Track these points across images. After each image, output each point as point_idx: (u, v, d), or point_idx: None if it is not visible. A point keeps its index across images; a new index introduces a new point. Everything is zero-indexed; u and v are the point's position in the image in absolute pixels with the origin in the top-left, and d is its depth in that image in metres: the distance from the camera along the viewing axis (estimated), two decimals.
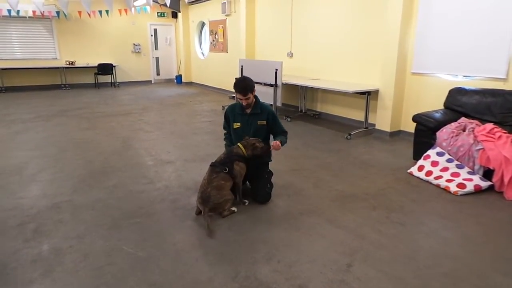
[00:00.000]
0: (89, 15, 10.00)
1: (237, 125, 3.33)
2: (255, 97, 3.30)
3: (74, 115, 7.09)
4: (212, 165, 3.05)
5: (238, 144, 3.13)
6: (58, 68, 10.90)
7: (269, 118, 3.32)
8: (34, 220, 2.89)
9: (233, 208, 3.02)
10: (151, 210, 3.07)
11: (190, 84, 12.61)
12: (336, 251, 2.46)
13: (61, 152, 4.71)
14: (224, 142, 3.56)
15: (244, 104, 3.23)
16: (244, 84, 3.17)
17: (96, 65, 11.13)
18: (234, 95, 8.44)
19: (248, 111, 3.29)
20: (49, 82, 11.05)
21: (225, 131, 3.55)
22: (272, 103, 6.86)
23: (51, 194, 3.40)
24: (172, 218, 2.94)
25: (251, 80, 3.22)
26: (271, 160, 3.47)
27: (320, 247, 2.52)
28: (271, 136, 3.42)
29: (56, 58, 11.06)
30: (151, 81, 12.87)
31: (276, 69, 6.50)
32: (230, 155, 3.09)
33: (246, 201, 3.19)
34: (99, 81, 11.54)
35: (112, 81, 11.73)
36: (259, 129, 3.30)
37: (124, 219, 2.91)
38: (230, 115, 3.38)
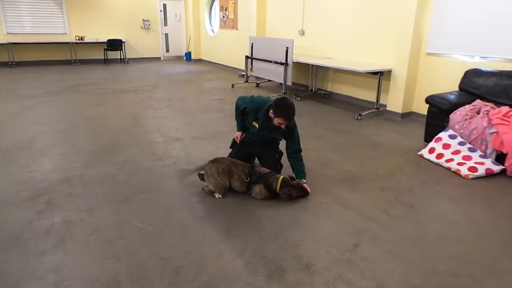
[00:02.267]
0: None
1: (255, 124, 3.13)
2: None
3: (84, 91, 7.11)
4: (251, 165, 2.94)
5: (281, 176, 2.83)
6: (67, 43, 10.87)
7: (287, 133, 3.07)
8: (46, 193, 2.94)
9: (217, 195, 2.90)
10: (160, 186, 3.10)
11: (200, 61, 12.50)
12: (343, 231, 2.47)
13: (72, 127, 4.75)
14: (238, 117, 3.31)
15: (283, 127, 2.92)
16: (292, 110, 2.87)
17: (105, 40, 11.06)
18: (243, 73, 8.40)
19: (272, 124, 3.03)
20: (59, 57, 11.05)
21: (237, 115, 3.29)
22: (282, 82, 6.78)
23: (62, 168, 3.45)
24: (181, 194, 2.96)
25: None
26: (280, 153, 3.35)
27: (327, 226, 2.53)
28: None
29: (65, 33, 11.01)
30: (160, 57, 12.78)
31: (287, 47, 6.39)
32: (265, 177, 2.83)
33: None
34: (108, 57, 11.50)
35: (122, 57, 11.68)
36: (274, 139, 3.23)
37: (133, 194, 2.95)
38: (252, 113, 3.13)
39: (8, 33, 10.25)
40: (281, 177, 2.84)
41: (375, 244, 2.32)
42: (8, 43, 10.04)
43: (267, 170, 2.92)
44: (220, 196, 2.89)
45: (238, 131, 3.32)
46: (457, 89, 4.44)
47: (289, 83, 6.69)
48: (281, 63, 6.57)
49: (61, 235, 2.37)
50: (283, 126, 2.92)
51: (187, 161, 3.64)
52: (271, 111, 2.93)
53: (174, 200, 2.88)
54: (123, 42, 11.47)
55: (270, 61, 6.91)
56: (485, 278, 2.03)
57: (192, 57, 12.60)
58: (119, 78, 8.84)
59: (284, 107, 2.86)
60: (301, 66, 7.23)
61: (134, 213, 2.66)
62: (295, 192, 2.84)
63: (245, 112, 3.19)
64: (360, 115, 5.39)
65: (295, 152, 3.11)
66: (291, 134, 3.08)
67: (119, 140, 4.26)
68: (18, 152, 3.83)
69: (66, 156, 3.75)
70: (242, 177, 2.86)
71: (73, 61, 11.18)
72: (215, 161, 2.95)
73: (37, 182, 3.14)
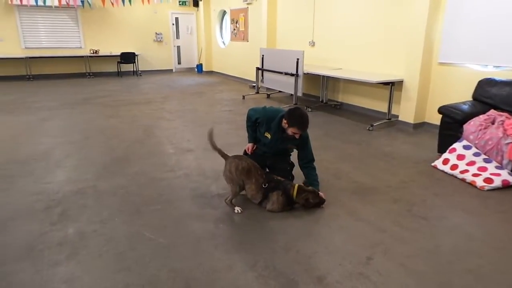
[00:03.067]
0: (112, 4, 10.14)
1: (267, 135, 3.09)
2: None
3: (98, 103, 7.25)
4: (268, 173, 2.96)
5: (297, 184, 2.85)
6: (82, 56, 11.13)
7: (300, 144, 3.06)
8: (60, 204, 2.98)
9: (237, 209, 2.86)
10: (172, 197, 3.12)
11: (211, 73, 12.64)
12: (355, 244, 2.44)
13: (85, 139, 4.83)
14: (247, 127, 3.28)
15: (297, 137, 2.92)
16: (307, 120, 2.86)
17: (119, 53, 11.30)
18: (254, 84, 8.45)
19: (284, 134, 3.02)
20: (74, 70, 11.31)
21: (249, 127, 3.26)
22: (293, 93, 6.80)
23: (75, 179, 3.50)
24: (192, 206, 2.97)
25: None
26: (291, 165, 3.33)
27: (339, 239, 2.50)
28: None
29: (80, 47, 11.29)
30: (172, 70, 12.97)
31: (298, 59, 6.42)
32: (284, 183, 2.85)
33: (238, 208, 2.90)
34: (121, 70, 11.73)
35: (134, 69, 11.89)
36: (286, 151, 3.22)
37: (145, 206, 2.97)
38: (265, 123, 3.08)
39: (25, 48, 10.56)
40: (297, 184, 2.85)
41: (388, 257, 2.28)
42: (26, 57, 10.34)
43: (282, 179, 2.92)
44: (240, 211, 2.84)
45: (249, 142, 3.32)
46: (470, 99, 4.39)
47: (299, 94, 6.71)
48: (292, 74, 6.60)
49: (74, 246, 2.40)
50: (297, 136, 2.91)
51: (199, 173, 3.66)
52: (284, 121, 2.92)
53: (186, 211, 2.89)
54: (136, 55, 11.70)
55: (281, 73, 6.95)
56: None
57: (204, 69, 12.75)
58: (132, 90, 8.99)
59: (299, 117, 2.86)
60: (311, 77, 7.24)
61: (146, 225, 2.68)
62: (312, 197, 2.82)
63: (257, 123, 3.18)
64: (372, 125, 5.35)
65: (308, 162, 3.10)
66: (304, 144, 3.07)
67: (131, 152, 4.31)
68: (34, 164, 3.91)
69: (80, 168, 3.81)
70: (260, 182, 2.83)
71: (87, 74, 11.43)
72: (237, 157, 2.93)
73: (51, 194, 3.19)
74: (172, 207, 2.96)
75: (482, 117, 3.76)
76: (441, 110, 4.10)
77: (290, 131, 2.90)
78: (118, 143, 4.64)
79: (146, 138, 4.87)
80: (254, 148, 3.30)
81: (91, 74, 11.45)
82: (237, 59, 10.76)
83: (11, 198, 3.11)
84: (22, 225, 2.67)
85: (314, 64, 7.34)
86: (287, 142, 3.06)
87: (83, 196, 3.15)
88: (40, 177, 3.55)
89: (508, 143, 3.39)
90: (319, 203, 2.88)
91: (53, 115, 6.19)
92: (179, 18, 12.71)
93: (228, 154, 3.00)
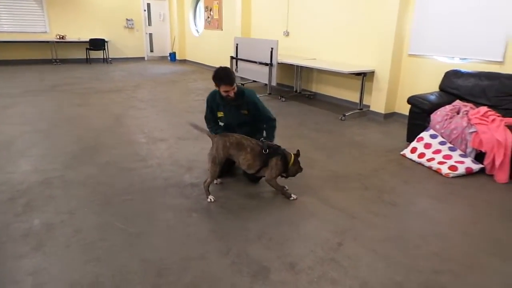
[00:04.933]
0: None
1: (220, 113, 3.16)
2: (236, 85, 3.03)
3: (65, 91, 6.96)
4: (262, 140, 2.89)
5: (292, 154, 2.89)
6: (48, 42, 10.62)
7: (250, 108, 3.09)
8: (25, 195, 2.86)
9: (210, 198, 2.85)
10: (143, 187, 3.06)
11: (184, 61, 12.41)
12: (327, 230, 2.48)
13: (52, 128, 4.64)
14: (213, 132, 3.17)
15: (231, 95, 2.94)
16: (230, 74, 2.91)
17: (88, 40, 10.86)
18: None
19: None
20: (39, 56, 10.78)
21: (209, 125, 3.23)
22: (267, 83, 6.80)
23: (42, 169, 3.36)
24: (164, 196, 2.93)
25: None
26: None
27: (311, 226, 2.54)
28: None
29: (46, 32, 10.75)
30: (144, 58, 12.63)
31: (272, 48, 6.39)
32: (281, 149, 2.87)
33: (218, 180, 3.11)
34: (91, 57, 11.29)
35: (105, 57, 11.48)
36: (243, 117, 3.14)
37: (116, 196, 2.90)
38: (213, 103, 3.13)
39: None
40: (293, 153, 2.91)
41: (358, 243, 2.34)
42: None
43: (278, 145, 2.92)
44: (212, 199, 2.83)
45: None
46: (437, 89, 4.54)
47: (273, 83, 6.70)
48: (266, 64, 6.58)
49: (40, 238, 2.31)
50: (231, 94, 2.93)
51: (171, 162, 3.61)
52: (215, 86, 2.97)
53: (158, 201, 2.84)
54: (106, 41, 11.28)
55: (255, 62, 6.92)
56: (465, 274, 2.07)
57: (177, 57, 12.49)
58: (102, 78, 8.69)
59: (220, 73, 2.91)
60: (285, 67, 7.25)
61: (116, 215, 2.62)
62: (300, 169, 2.94)
63: (212, 112, 3.18)
64: (344, 115, 5.44)
65: (267, 122, 3.18)
66: (255, 107, 3.10)
67: (101, 141, 4.18)
68: None
69: (46, 157, 3.66)
70: (257, 149, 2.78)
71: (54, 60, 10.93)
72: (223, 135, 2.88)
73: (15, 184, 3.05)
74: (144, 197, 2.90)
75: (448, 107, 3.90)
76: (409, 100, 4.22)
77: (222, 91, 2.93)
78: (87, 132, 4.49)
79: (116, 127, 4.74)
80: None
81: (57, 60, 10.96)
82: (211, 47, 10.60)
83: None
84: None
85: (288, 54, 7.35)
86: (239, 109, 3.09)
87: (50, 186, 3.03)
88: (2, 167, 3.39)
89: (472, 132, 3.53)
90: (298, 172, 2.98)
91: (16, 102, 5.89)
92: (151, 4, 12.34)
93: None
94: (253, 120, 3.19)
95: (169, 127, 4.79)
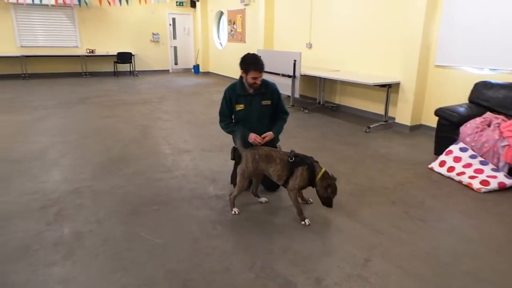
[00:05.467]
0: (109, 3, 10.09)
1: (240, 106, 3.02)
2: None
3: (94, 103, 7.20)
4: (292, 151, 2.79)
5: (324, 169, 2.72)
6: (79, 56, 11.07)
7: (274, 97, 3.05)
8: (56, 204, 2.96)
9: (234, 210, 2.84)
10: (169, 198, 3.10)
11: (208, 74, 12.62)
12: (353, 246, 2.43)
13: (82, 139, 4.79)
14: (228, 129, 3.10)
15: (257, 83, 2.89)
16: (260, 60, 2.86)
17: (115, 53, 11.25)
18: None
19: (251, 90, 2.99)
20: (70, 69, 11.24)
21: (224, 121, 3.10)
22: (290, 95, 6.81)
23: (72, 179, 3.47)
24: (189, 207, 2.96)
25: None
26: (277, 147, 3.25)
27: (337, 241, 2.49)
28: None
29: (77, 46, 11.23)
30: (169, 70, 12.94)
31: (295, 60, 6.42)
32: (310, 159, 2.74)
33: (263, 198, 3.05)
34: (118, 70, 11.67)
35: (131, 69, 11.84)
36: (264, 110, 3.06)
37: (142, 206, 2.95)
38: (232, 95, 3.03)
39: (21, 46, 10.49)
40: (324, 168, 2.73)
41: (386, 259, 2.28)
42: (21, 56, 10.26)
43: (308, 156, 2.79)
44: (237, 212, 2.82)
45: (240, 134, 2.96)
46: (466, 101, 4.41)
47: (296, 95, 6.71)
48: (289, 76, 6.61)
49: (70, 247, 2.37)
50: (258, 82, 2.89)
51: (196, 173, 3.65)
52: (242, 73, 2.93)
53: (183, 212, 2.87)
54: (133, 55, 11.65)
55: (278, 74, 6.95)
56: None
57: (200, 69, 12.73)
58: (129, 90, 8.95)
59: (250, 58, 2.89)
60: (308, 79, 7.25)
61: (143, 225, 2.66)
62: (332, 189, 2.66)
63: (230, 107, 3.07)
64: (369, 127, 5.37)
65: (283, 114, 3.16)
66: (278, 97, 3.08)
67: (128, 152, 4.29)
68: (29, 163, 3.87)
69: (76, 167, 3.78)
70: (285, 159, 2.71)
71: (83, 73, 11.36)
72: (252, 148, 2.84)
73: (47, 193, 3.16)
74: (169, 207, 2.94)
75: (478, 119, 3.78)
76: (437, 112, 4.12)
77: (250, 78, 2.88)
78: (114, 143, 4.61)
79: (143, 138, 4.85)
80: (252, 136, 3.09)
81: (87, 73, 11.38)
82: (234, 60, 10.68)
83: (7, 197, 3.08)
84: (18, 224, 2.64)
85: (311, 66, 7.35)
86: (259, 99, 3.02)
87: (79, 195, 3.12)
88: (35, 176, 3.52)
89: (504, 146, 3.41)
90: (331, 196, 2.69)
91: (49, 114, 6.14)
92: (176, 19, 12.68)
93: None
94: (272, 113, 3.13)
95: (193, 139, 4.86)
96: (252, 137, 2.95)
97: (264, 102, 3.05)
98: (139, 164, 3.90)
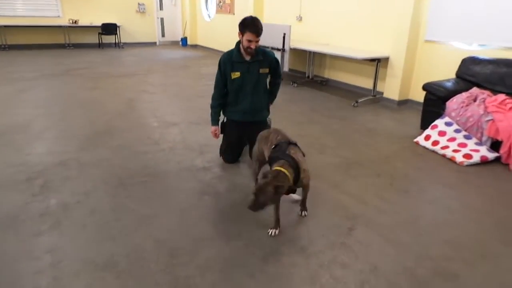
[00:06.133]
0: None
1: (235, 74, 2.93)
2: None
3: (78, 75, 7.02)
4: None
5: (283, 169, 2.10)
6: (61, 26, 10.67)
7: (272, 66, 3.01)
8: (41, 176, 2.93)
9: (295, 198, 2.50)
10: (156, 171, 3.10)
11: (196, 46, 12.36)
12: (338, 216, 2.49)
13: (66, 111, 4.70)
14: (212, 109, 3.08)
15: (252, 47, 2.79)
16: (259, 23, 2.75)
17: (100, 24, 10.88)
18: None
19: (248, 57, 2.91)
20: (52, 41, 10.85)
21: (215, 100, 3.06)
22: None
23: (57, 151, 3.43)
24: (177, 179, 2.96)
25: None
26: (267, 122, 3.27)
27: (322, 211, 2.55)
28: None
29: (59, 16, 10.80)
30: (156, 42, 12.61)
31: (284, 33, 6.31)
32: (288, 153, 2.25)
33: None
34: (103, 41, 11.32)
35: (116, 41, 11.50)
36: (261, 78, 2.99)
37: (129, 178, 2.94)
38: (227, 63, 2.93)
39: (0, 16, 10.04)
40: (282, 168, 2.11)
41: (369, 228, 2.35)
42: (0, 26, 9.84)
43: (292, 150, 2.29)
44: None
45: (213, 125, 3.08)
46: (454, 76, 4.44)
47: (285, 69, 6.65)
48: (278, 49, 6.52)
49: (56, 217, 2.37)
50: (252, 46, 2.79)
51: (184, 146, 3.63)
52: (239, 35, 2.83)
53: (171, 184, 2.88)
54: (118, 26, 11.28)
55: (267, 47, 6.84)
56: (477, 262, 2.06)
57: (188, 42, 12.44)
58: (114, 62, 8.73)
59: (248, 20, 2.79)
60: (298, 53, 7.17)
61: (130, 196, 2.66)
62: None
63: (223, 77, 3.00)
64: (357, 102, 5.38)
65: (278, 79, 3.20)
66: (277, 64, 3.05)
67: (114, 124, 4.23)
68: (13, 135, 3.79)
69: (61, 140, 3.72)
70: (273, 144, 2.41)
71: (66, 45, 10.99)
72: (264, 131, 2.64)
73: (32, 165, 3.12)
74: (157, 180, 2.94)
75: (464, 94, 3.83)
76: (425, 87, 4.15)
77: (245, 41, 2.79)
78: (100, 116, 4.54)
79: (129, 111, 4.78)
80: (219, 130, 3.16)
81: (70, 45, 11.02)
82: (223, 32, 10.52)
83: None
84: (4, 195, 2.62)
85: (300, 39, 7.25)
86: (257, 67, 2.94)
87: (65, 168, 3.09)
88: (20, 149, 3.46)
89: (488, 120, 3.47)
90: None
91: (31, 86, 5.97)
92: None
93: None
94: (267, 83, 3.12)
95: (181, 112, 4.81)
96: (212, 130, 3.14)
97: (262, 70, 2.97)
98: (126, 137, 3.86)
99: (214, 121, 3.14)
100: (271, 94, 3.25)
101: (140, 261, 2.00)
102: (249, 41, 2.79)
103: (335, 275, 1.92)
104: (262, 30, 2.79)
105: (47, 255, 2.02)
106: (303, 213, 2.47)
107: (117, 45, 11.56)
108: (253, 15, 2.95)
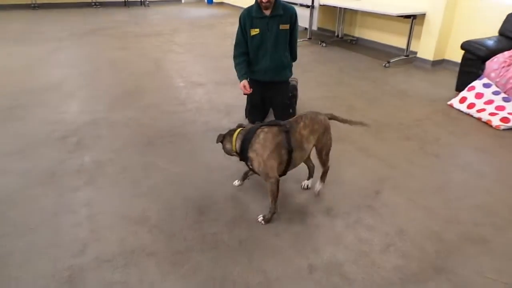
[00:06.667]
0: None
1: (255, 31, 2.82)
2: None
3: (106, 34, 7.04)
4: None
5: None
6: None
7: (293, 22, 2.85)
8: (75, 134, 3.04)
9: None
10: (183, 131, 3.14)
11: (222, 4, 12.02)
12: (365, 178, 2.47)
13: (96, 71, 4.78)
14: (237, 66, 2.94)
15: (264, 1, 2.69)
16: None
17: None
18: None
19: (268, 12, 2.79)
20: None
21: (237, 57, 2.96)
22: (307, 27, 6.49)
23: (88, 110, 3.53)
24: (203, 139, 3.00)
25: None
26: (290, 82, 3.19)
27: (349, 173, 2.53)
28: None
29: None
30: (181, 0, 12.35)
31: None
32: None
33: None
34: (128, 0, 11.20)
35: None
36: (281, 34, 2.86)
37: (157, 138, 3.01)
38: (247, 19, 2.83)
39: None
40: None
41: (396, 192, 2.32)
42: None
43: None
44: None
45: (242, 79, 2.90)
46: (496, 34, 4.13)
47: (314, 28, 6.40)
48: (307, 6, 6.23)
49: (91, 174, 2.48)
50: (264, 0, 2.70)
51: (210, 107, 3.64)
52: None
53: (198, 144, 2.93)
54: None
55: (296, 4, 6.56)
56: (508, 227, 2.02)
57: (214, 0, 12.11)
58: (140, 21, 8.67)
59: None
60: (327, 10, 6.83)
61: (159, 156, 2.74)
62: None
63: (244, 33, 2.91)
64: (389, 62, 5.15)
65: (292, 56, 3.08)
66: (295, 24, 2.91)
67: (141, 84, 4.27)
68: (47, 94, 3.92)
69: (92, 99, 3.82)
70: None
71: (93, 3, 10.95)
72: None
73: (67, 124, 3.24)
74: (184, 139, 3.00)
75: (506, 53, 3.56)
76: (464, 45, 3.89)
77: None
78: (128, 76, 4.59)
79: (156, 71, 4.80)
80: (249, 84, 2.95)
81: (97, 3, 10.97)
82: None
83: (29, 126, 3.18)
84: (43, 152, 2.76)
85: None
86: (277, 22, 2.83)
87: (97, 126, 3.19)
88: (56, 107, 3.58)
89: None
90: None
91: (61, 45, 6.06)
92: None
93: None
94: (287, 40, 2.97)
95: (207, 72, 4.78)
96: (241, 85, 2.87)
97: (282, 26, 2.85)
98: (153, 96, 3.90)
99: (241, 76, 2.95)
100: (291, 52, 3.07)
101: (170, 217, 2.08)
102: None
103: (360, 236, 1.94)
104: None
105: (84, 208, 2.14)
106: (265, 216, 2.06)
107: (142, 3, 11.41)
108: None
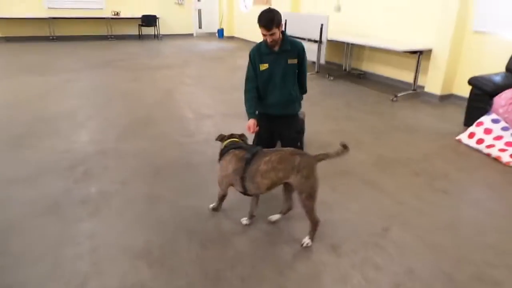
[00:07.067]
0: None
1: (264, 66, 2.87)
2: (282, 32, 2.78)
3: (119, 66, 7.27)
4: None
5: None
6: (104, 18, 11.07)
7: (300, 56, 2.93)
8: (83, 164, 3.07)
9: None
10: (192, 162, 3.16)
11: (232, 38, 12.39)
12: (372, 214, 2.42)
13: (107, 101, 4.89)
14: (247, 102, 2.93)
15: (268, 41, 2.74)
16: (269, 16, 2.66)
17: (140, 16, 11.17)
18: None
19: (276, 48, 2.84)
20: (95, 32, 11.29)
21: (248, 92, 2.97)
22: (315, 60, 6.62)
23: (98, 140, 3.58)
24: (211, 171, 2.99)
25: (278, 13, 2.74)
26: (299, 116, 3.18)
27: (356, 209, 2.49)
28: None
29: (102, 8, 11.19)
30: (193, 34, 12.78)
31: (322, 24, 6.18)
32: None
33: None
34: (142, 33, 11.63)
35: (155, 33, 11.77)
36: (290, 69, 2.92)
37: (165, 168, 3.02)
38: (256, 56, 2.88)
39: (49, 8, 10.56)
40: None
41: (405, 229, 2.27)
42: (49, 18, 10.37)
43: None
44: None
45: (250, 117, 2.87)
46: (503, 70, 4.16)
47: (322, 61, 6.52)
48: (315, 41, 6.39)
49: (96, 204, 2.48)
50: (268, 40, 2.73)
51: None
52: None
53: (205, 176, 2.92)
54: (157, 18, 11.53)
55: (304, 39, 6.73)
56: None
57: (225, 34, 12.50)
58: (153, 54, 8.95)
59: (261, 13, 2.72)
60: (335, 44, 6.99)
61: (166, 187, 2.73)
62: None
63: (255, 68, 2.94)
64: (396, 96, 5.19)
65: (301, 90, 3.06)
66: (303, 58, 2.92)
67: (152, 115, 4.35)
68: (60, 123, 4.00)
69: (103, 129, 3.88)
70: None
71: (109, 36, 11.40)
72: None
73: (75, 153, 3.28)
74: (192, 171, 3.00)
75: None
76: (471, 81, 3.92)
77: (262, 35, 2.74)
78: (138, 106, 4.68)
79: (166, 102, 4.89)
80: (256, 125, 2.91)
81: (112, 36, 11.42)
82: None
83: (39, 154, 3.23)
84: (50, 181, 2.78)
85: (338, 30, 7.06)
86: (285, 57, 2.86)
87: (105, 156, 3.23)
88: (67, 136, 3.65)
89: None
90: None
91: (76, 77, 6.26)
92: None
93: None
94: (296, 75, 2.98)
95: (216, 104, 4.86)
96: (247, 124, 2.85)
97: (290, 61, 2.90)
98: (163, 127, 3.96)
99: (250, 114, 2.94)
100: (300, 86, 3.08)
101: (172, 251, 2.05)
102: (264, 34, 2.75)
103: (367, 277, 1.88)
104: (273, 23, 2.68)
105: (87, 240, 2.12)
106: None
107: (156, 36, 11.83)
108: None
